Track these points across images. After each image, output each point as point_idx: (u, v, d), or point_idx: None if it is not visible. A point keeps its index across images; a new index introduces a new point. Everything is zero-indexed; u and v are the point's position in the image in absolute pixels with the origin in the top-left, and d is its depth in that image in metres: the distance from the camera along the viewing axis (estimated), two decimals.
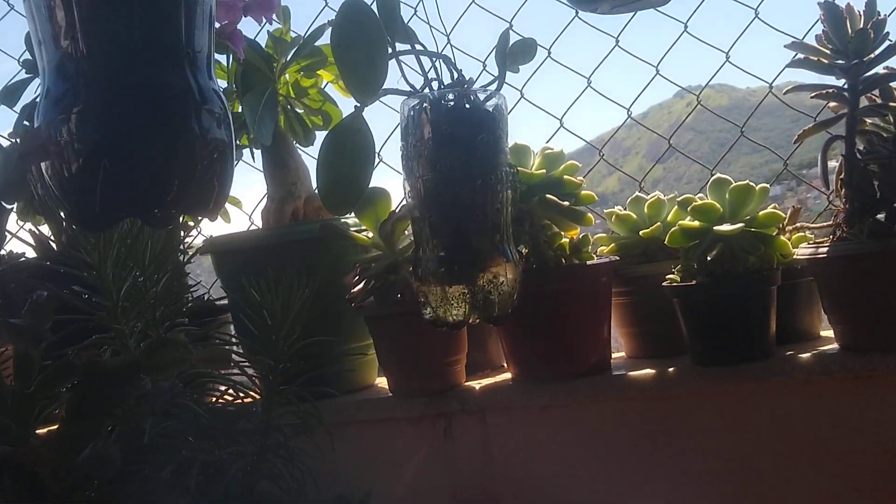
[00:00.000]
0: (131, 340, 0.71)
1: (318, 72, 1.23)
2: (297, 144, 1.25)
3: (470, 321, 0.91)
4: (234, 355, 0.95)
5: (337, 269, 1.12)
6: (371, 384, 1.19)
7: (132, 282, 0.72)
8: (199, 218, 0.71)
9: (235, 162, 0.72)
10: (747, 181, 1.04)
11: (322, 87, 1.27)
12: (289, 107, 1.24)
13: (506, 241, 0.90)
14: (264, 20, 1.13)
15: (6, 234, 0.56)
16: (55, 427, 0.60)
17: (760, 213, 1.03)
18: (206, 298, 1.21)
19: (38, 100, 0.62)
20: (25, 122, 1.13)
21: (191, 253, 0.96)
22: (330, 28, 1.19)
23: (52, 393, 0.60)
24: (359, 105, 0.85)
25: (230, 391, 0.80)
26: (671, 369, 1.03)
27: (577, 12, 1.32)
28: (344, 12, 0.82)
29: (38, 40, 0.61)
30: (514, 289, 0.91)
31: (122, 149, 0.58)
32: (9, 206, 0.54)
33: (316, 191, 1.24)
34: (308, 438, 0.89)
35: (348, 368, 1.09)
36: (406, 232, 1.07)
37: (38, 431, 0.60)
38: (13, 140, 1.18)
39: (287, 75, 1.22)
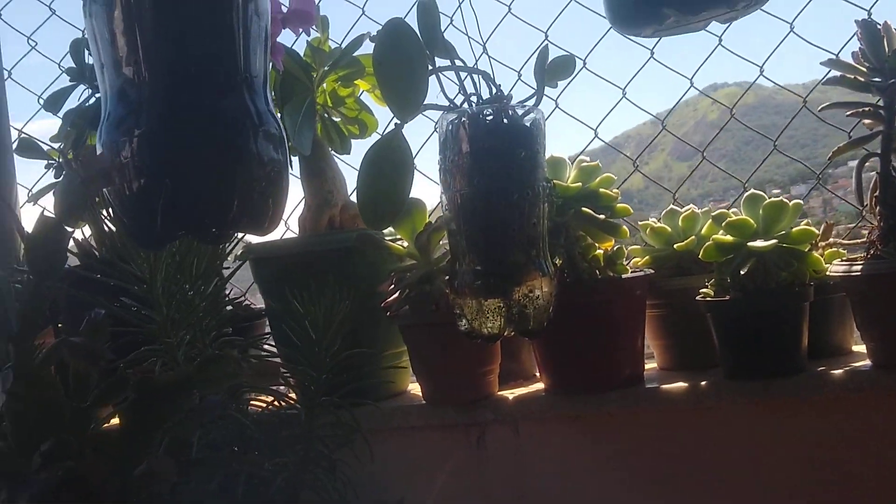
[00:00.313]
0: (180, 353, 0.72)
1: (355, 81, 1.24)
2: (334, 152, 1.26)
3: (505, 334, 0.93)
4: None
5: (372, 278, 1.13)
6: (404, 391, 1.20)
7: (181, 295, 0.74)
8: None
9: None
10: (781, 198, 1.05)
11: (358, 96, 1.28)
12: (326, 115, 1.25)
13: (542, 255, 0.92)
14: (302, 32, 1.15)
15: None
16: (109, 440, 0.61)
17: (794, 229, 1.04)
18: (243, 303, 1.23)
19: (100, 122, 0.63)
20: (69, 129, 1.16)
21: (231, 262, 0.98)
22: (367, 38, 1.22)
23: (106, 407, 0.61)
24: (399, 122, 0.86)
25: (274, 402, 0.82)
26: (703, 383, 1.04)
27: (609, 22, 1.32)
28: (386, 31, 0.83)
29: (99, 64, 0.63)
30: (550, 302, 0.93)
31: (184, 171, 0.60)
32: (70, 230, 0.56)
33: (352, 199, 1.25)
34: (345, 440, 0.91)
35: (384, 378, 1.11)
36: (442, 242, 1.09)
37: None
38: (58, 146, 1.21)
39: (325, 84, 1.24)
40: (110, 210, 0.66)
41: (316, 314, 0.81)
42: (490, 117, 0.92)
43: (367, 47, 1.20)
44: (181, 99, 0.61)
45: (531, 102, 0.95)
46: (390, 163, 0.85)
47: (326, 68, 1.19)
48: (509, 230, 0.90)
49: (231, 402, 0.72)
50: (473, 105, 0.95)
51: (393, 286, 1.10)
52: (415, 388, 1.19)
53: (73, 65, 1.15)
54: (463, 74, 0.94)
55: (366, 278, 1.13)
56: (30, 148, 1.17)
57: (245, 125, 0.62)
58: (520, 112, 0.93)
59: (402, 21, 0.85)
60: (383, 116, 1.33)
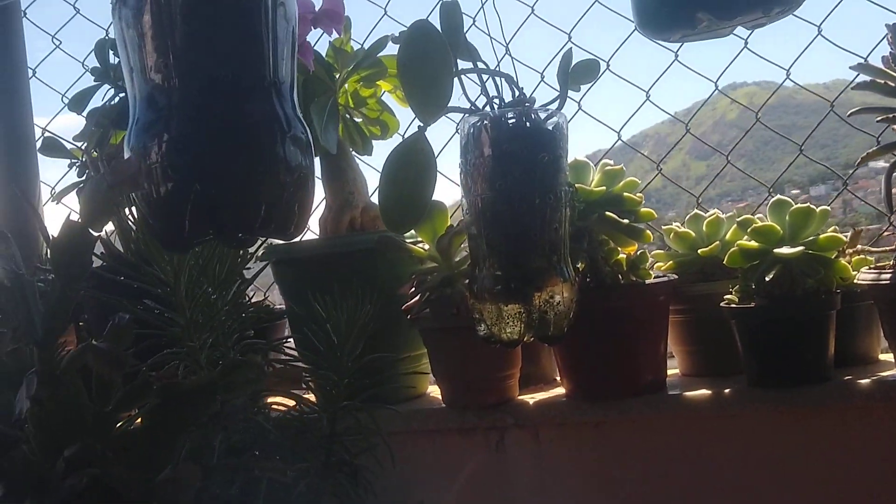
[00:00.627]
0: (202, 356, 0.72)
1: (377, 82, 1.24)
2: (355, 153, 1.26)
3: (524, 340, 0.92)
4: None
5: (392, 280, 1.13)
6: (423, 393, 1.20)
7: (204, 298, 0.74)
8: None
9: None
10: (808, 204, 1.04)
11: (380, 96, 1.28)
12: (347, 116, 1.25)
13: (563, 260, 0.91)
14: (324, 32, 1.15)
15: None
16: (132, 444, 0.61)
17: (821, 235, 1.02)
18: (264, 304, 1.24)
19: (129, 126, 0.63)
20: (93, 128, 1.16)
21: (253, 264, 0.98)
22: (391, 40, 1.21)
23: (129, 411, 0.61)
24: (422, 125, 0.85)
25: (295, 406, 0.82)
26: (727, 390, 1.03)
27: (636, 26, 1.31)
28: (411, 33, 0.83)
29: (128, 68, 0.63)
30: (571, 308, 0.92)
31: (212, 176, 0.60)
32: (96, 234, 0.56)
33: (373, 200, 1.25)
34: (366, 446, 0.91)
35: (404, 381, 1.11)
36: (462, 245, 1.08)
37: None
38: (80, 145, 1.21)
39: (347, 85, 1.23)
40: (135, 212, 0.65)
41: (338, 319, 0.80)
42: (513, 120, 0.92)
43: (390, 48, 1.20)
44: (210, 104, 0.60)
45: (554, 106, 0.94)
46: (413, 166, 0.84)
47: (349, 69, 1.19)
48: (530, 235, 0.89)
49: (253, 406, 0.72)
50: (496, 108, 0.95)
51: (413, 289, 1.09)
52: (434, 390, 1.18)
53: (98, 64, 1.15)
54: (485, 77, 0.94)
55: (386, 280, 1.13)
56: (54, 147, 1.17)
57: (273, 130, 0.62)
58: (542, 115, 0.92)
59: (428, 23, 0.84)
60: (405, 117, 1.33)
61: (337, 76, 1.21)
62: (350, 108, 1.25)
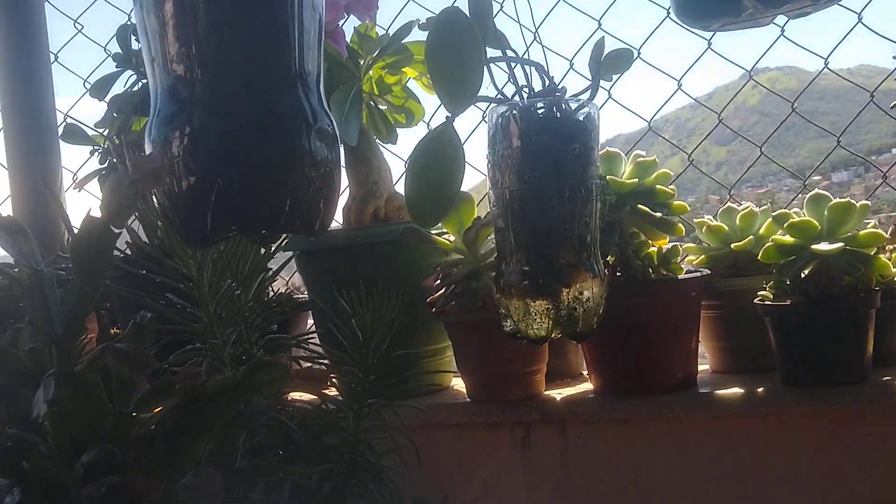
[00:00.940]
0: (225, 352, 0.71)
1: (402, 69, 1.21)
2: (379, 142, 1.24)
3: (552, 336, 0.90)
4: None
5: (416, 271, 1.11)
6: (447, 386, 1.18)
7: (227, 292, 0.72)
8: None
9: None
10: (848, 199, 1.00)
11: (405, 83, 1.25)
12: (372, 104, 1.23)
13: (593, 255, 0.88)
14: (348, 18, 1.12)
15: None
16: (152, 446, 0.60)
17: (861, 231, 0.99)
18: (287, 293, 1.22)
19: (149, 120, 0.61)
20: (115, 115, 1.14)
21: (274, 252, 0.96)
22: (416, 26, 1.18)
23: (150, 412, 0.59)
24: (450, 115, 0.83)
25: (321, 404, 0.80)
26: (760, 389, 1.00)
27: (668, 12, 1.28)
28: (440, 20, 0.80)
29: (149, 57, 0.61)
30: (600, 305, 0.89)
31: (236, 170, 0.58)
32: (118, 231, 0.54)
33: (397, 190, 1.23)
34: (391, 445, 0.89)
35: (427, 374, 1.09)
36: (489, 238, 1.06)
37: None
38: (102, 131, 1.20)
39: (371, 72, 1.21)
40: (158, 206, 0.64)
41: (364, 315, 0.78)
42: (542, 111, 0.89)
43: (416, 34, 1.17)
44: (234, 97, 0.58)
45: (585, 96, 0.91)
46: (440, 158, 0.81)
47: (375, 55, 1.16)
48: (560, 229, 0.87)
49: (276, 404, 0.70)
50: (525, 97, 0.92)
51: (439, 281, 1.07)
52: (458, 383, 1.16)
53: (120, 50, 1.13)
54: (514, 65, 0.91)
55: (410, 272, 1.11)
56: (75, 134, 1.16)
57: (299, 123, 0.60)
58: (573, 106, 0.89)
59: (458, 9, 0.81)
60: (430, 105, 1.30)
61: (361, 63, 1.18)
62: (375, 96, 1.23)
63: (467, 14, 0.83)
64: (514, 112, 0.88)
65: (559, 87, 0.90)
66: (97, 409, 0.54)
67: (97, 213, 0.54)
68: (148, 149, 0.62)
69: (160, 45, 0.59)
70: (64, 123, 1.36)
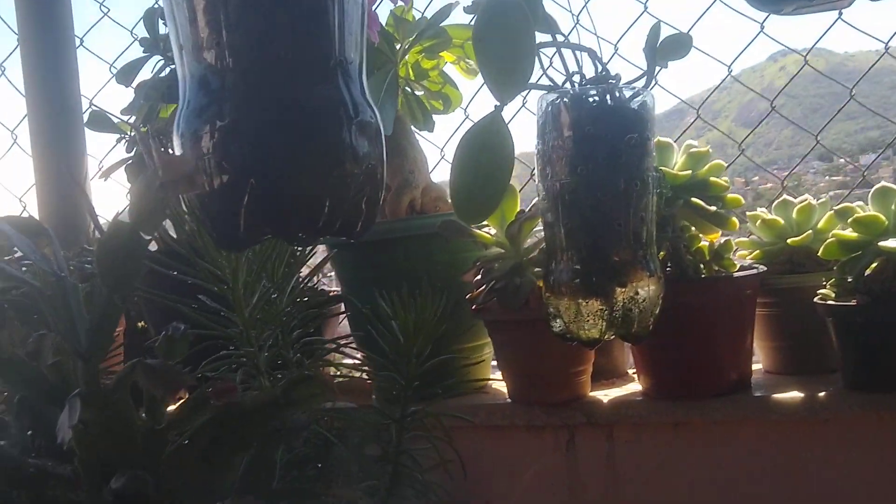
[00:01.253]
0: (261, 359, 0.66)
1: (440, 53, 1.16)
2: (415, 129, 1.18)
3: (605, 338, 0.85)
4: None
5: (453, 266, 1.06)
6: (485, 385, 1.13)
7: (263, 293, 0.68)
8: None
9: None
10: None
11: (442, 68, 1.20)
12: (408, 89, 1.17)
13: (649, 252, 0.84)
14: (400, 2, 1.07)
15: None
16: (185, 467, 0.55)
17: None
18: (317, 286, 1.18)
19: (177, 111, 0.56)
20: (142, 101, 1.10)
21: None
22: (463, 9, 1.13)
23: (182, 430, 0.55)
24: (498, 105, 0.77)
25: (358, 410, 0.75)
26: (821, 394, 0.94)
27: None
28: (489, 3, 0.74)
29: (178, 45, 0.56)
30: (656, 305, 0.85)
31: (271, 168, 0.53)
32: (148, 238, 0.49)
33: (432, 180, 1.18)
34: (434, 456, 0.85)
35: (466, 373, 1.04)
36: (532, 231, 1.01)
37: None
38: (128, 118, 1.15)
39: (407, 56, 1.15)
40: (187, 204, 0.59)
41: (406, 318, 0.73)
42: (595, 99, 0.84)
43: (453, 16, 1.12)
44: (269, 88, 0.53)
45: (640, 84, 0.86)
46: (489, 151, 0.76)
47: (412, 39, 1.11)
48: (614, 225, 0.82)
49: (317, 417, 0.65)
50: (576, 85, 0.86)
51: (479, 277, 1.02)
52: (497, 381, 1.12)
53: (147, 35, 1.09)
54: (564, 51, 0.86)
55: (447, 266, 1.06)
56: (101, 121, 1.12)
57: (339, 117, 0.54)
58: (628, 94, 0.84)
59: (493, 119, 0.76)
60: (468, 90, 1.25)
61: (398, 47, 1.13)
62: (411, 81, 1.17)
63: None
64: (566, 100, 0.83)
65: (612, 74, 0.85)
66: (126, 431, 0.50)
67: (125, 217, 0.49)
68: (176, 143, 0.57)
69: (189, 30, 0.54)
70: (89, 110, 1.32)
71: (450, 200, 0.79)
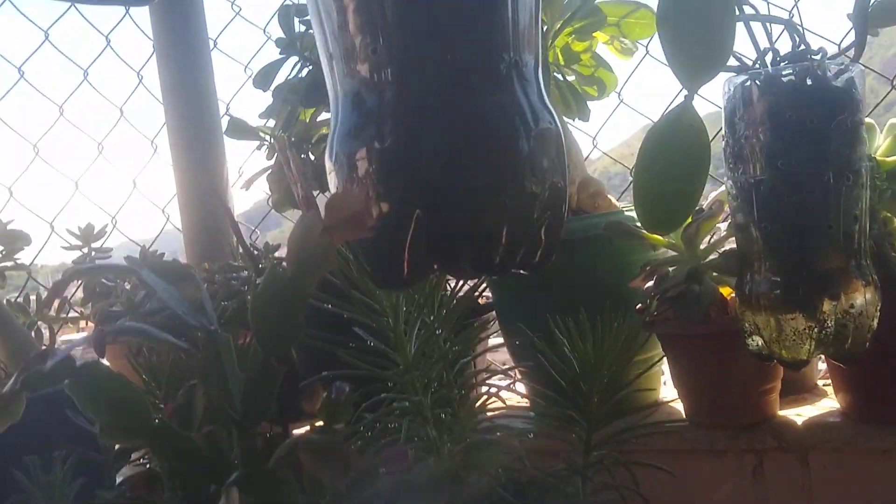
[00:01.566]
0: (426, 404, 0.58)
1: (593, 34, 1.05)
2: (567, 119, 1.08)
3: (813, 358, 0.74)
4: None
5: (617, 270, 0.96)
6: (655, 402, 1.02)
7: (426, 330, 0.60)
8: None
9: None
10: None
11: (595, 49, 1.09)
12: (558, 76, 1.07)
13: (863, 257, 0.71)
14: None
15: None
16: None
17: None
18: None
19: (330, 132, 0.49)
20: (280, 104, 1.05)
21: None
22: None
23: None
24: (689, 94, 0.66)
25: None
26: None
27: None
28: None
29: (326, 54, 0.49)
30: (874, 317, 0.73)
31: (441, 196, 0.45)
32: (307, 292, 0.42)
33: (588, 174, 1.08)
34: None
35: (635, 388, 0.94)
36: (710, 232, 0.89)
37: None
38: (266, 122, 1.10)
39: (556, 39, 1.05)
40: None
41: (586, 350, 0.64)
42: (791, 79, 0.72)
43: None
44: (434, 102, 0.45)
45: (845, 58, 0.73)
46: (680, 148, 0.66)
47: (565, 19, 1.00)
48: (822, 227, 0.71)
49: (496, 480, 0.57)
50: (770, 63, 0.74)
51: (652, 284, 0.91)
52: (669, 395, 1.01)
53: (283, 34, 1.03)
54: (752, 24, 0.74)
55: (610, 271, 0.96)
56: (240, 129, 1.07)
57: (516, 130, 0.46)
58: (832, 71, 0.71)
59: (685, 108, 0.65)
60: (623, 71, 1.14)
61: (546, 30, 1.03)
62: (560, 66, 1.07)
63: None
64: (758, 82, 0.71)
65: (816, 49, 0.73)
66: None
67: (283, 267, 0.42)
68: (329, 169, 0.50)
69: (340, 37, 0.47)
70: (227, 116, 1.28)
71: (634, 207, 0.69)
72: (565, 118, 1.09)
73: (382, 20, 0.45)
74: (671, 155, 0.65)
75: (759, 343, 0.74)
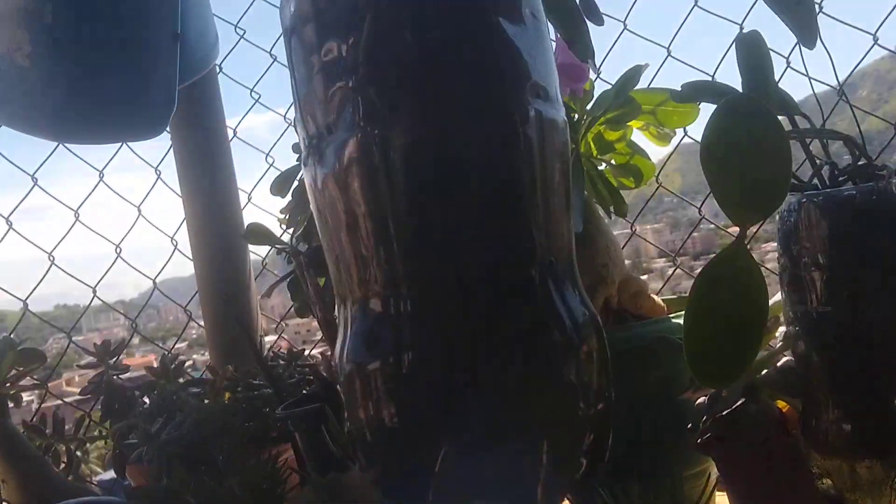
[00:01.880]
0: None
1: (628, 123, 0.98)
2: (603, 215, 1.01)
3: None
4: None
5: (662, 384, 0.89)
6: None
7: None
8: None
9: None
10: None
11: (630, 138, 1.02)
12: (591, 167, 1.01)
13: None
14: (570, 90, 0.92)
15: None
16: None
17: None
18: None
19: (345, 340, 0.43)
20: (300, 212, 1.00)
21: None
22: (645, 67, 0.95)
23: None
24: (740, 233, 0.59)
25: None
26: None
27: None
28: (725, 110, 0.56)
29: (333, 258, 0.43)
30: None
31: (475, 426, 0.38)
32: None
33: (629, 271, 1.01)
34: None
35: None
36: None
37: None
38: (283, 217, 1.05)
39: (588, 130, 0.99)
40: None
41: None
42: (856, 196, 0.65)
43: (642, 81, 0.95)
44: (453, 317, 0.39)
45: None
46: (735, 290, 0.58)
47: (597, 113, 0.94)
48: None
49: None
50: (826, 179, 0.67)
51: (705, 401, 0.84)
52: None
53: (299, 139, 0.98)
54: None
55: (656, 385, 0.89)
56: (259, 235, 1.02)
57: (554, 347, 0.39)
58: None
59: (746, 97, 0.58)
60: (657, 157, 1.07)
61: (576, 120, 0.97)
62: (594, 158, 1.01)
63: (749, 95, 0.59)
64: (816, 201, 0.65)
65: (879, 162, 0.66)
66: None
67: None
68: (341, 373, 0.44)
69: (347, 268, 0.41)
70: (247, 223, 1.23)
71: (685, 357, 0.62)
72: (600, 211, 1.02)
73: (398, 245, 0.38)
74: (725, 297, 0.58)
75: (831, 489, 0.67)
